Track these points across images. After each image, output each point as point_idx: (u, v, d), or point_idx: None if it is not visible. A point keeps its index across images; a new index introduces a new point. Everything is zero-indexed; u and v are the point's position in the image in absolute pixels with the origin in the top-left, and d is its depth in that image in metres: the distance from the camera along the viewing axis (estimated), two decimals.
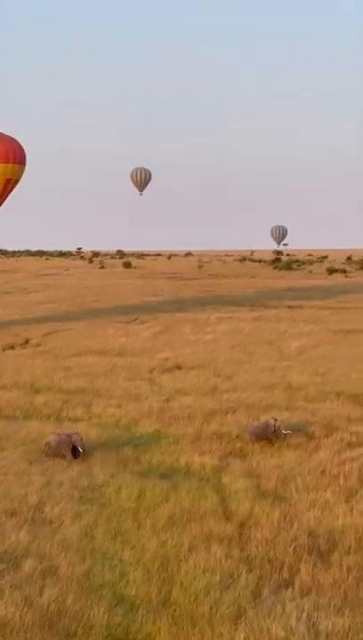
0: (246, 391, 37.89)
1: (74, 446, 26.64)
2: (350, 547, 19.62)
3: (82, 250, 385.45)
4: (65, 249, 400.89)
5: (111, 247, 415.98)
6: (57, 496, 22.98)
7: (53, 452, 26.71)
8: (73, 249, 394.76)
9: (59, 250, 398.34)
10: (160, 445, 29.00)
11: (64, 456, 26.56)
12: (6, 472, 25.25)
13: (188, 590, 16.96)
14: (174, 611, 16.23)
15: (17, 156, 78.46)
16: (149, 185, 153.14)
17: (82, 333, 60.90)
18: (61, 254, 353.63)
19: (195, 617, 15.98)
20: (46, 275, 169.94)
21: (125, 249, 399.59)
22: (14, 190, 79.21)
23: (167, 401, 36.12)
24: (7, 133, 77.97)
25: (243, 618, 15.86)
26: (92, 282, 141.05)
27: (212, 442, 29.42)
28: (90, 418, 33.18)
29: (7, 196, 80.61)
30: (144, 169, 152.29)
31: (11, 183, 78.98)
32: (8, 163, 77.55)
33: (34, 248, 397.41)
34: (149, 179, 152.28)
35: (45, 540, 19.73)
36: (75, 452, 26.66)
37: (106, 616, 15.90)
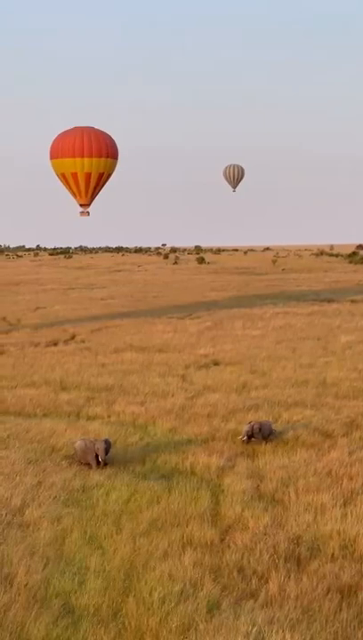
0: (277, 388, 36.75)
1: (96, 454, 25.38)
2: (332, 554, 18.50)
3: (165, 246, 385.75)
4: (151, 245, 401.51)
5: (206, 243, 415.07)
6: (42, 498, 22.19)
7: (80, 459, 25.44)
8: (157, 245, 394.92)
9: (139, 246, 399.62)
10: (170, 445, 28.10)
11: (89, 464, 25.34)
12: (0, 472, 24.54)
13: (143, 601, 16.03)
14: (123, 623, 15.31)
15: (110, 151, 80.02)
16: (242, 182, 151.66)
17: (129, 329, 60.19)
18: (138, 250, 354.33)
19: (142, 629, 15.06)
20: (118, 271, 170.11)
21: (216, 245, 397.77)
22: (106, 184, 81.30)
23: (193, 398, 35.16)
24: (101, 129, 79.59)
25: (192, 631, 14.88)
26: (161, 278, 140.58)
27: (225, 441, 28.45)
28: (109, 416, 32.39)
29: (100, 189, 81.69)
30: (237, 165, 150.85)
31: (103, 177, 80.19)
32: (101, 157, 78.94)
33: (114, 245, 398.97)
34: (243, 175, 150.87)
35: (13, 544, 18.96)
36: (98, 461, 25.31)
37: (46, 628, 15.04)
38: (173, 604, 15.84)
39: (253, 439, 27.73)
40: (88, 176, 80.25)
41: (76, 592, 16.58)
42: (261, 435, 27.71)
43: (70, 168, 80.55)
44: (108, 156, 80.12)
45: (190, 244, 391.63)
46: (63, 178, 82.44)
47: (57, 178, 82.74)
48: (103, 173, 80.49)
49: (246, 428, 27.95)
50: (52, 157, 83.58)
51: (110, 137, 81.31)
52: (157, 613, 15.48)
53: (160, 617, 15.35)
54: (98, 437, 26.73)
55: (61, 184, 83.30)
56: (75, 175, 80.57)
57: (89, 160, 79.66)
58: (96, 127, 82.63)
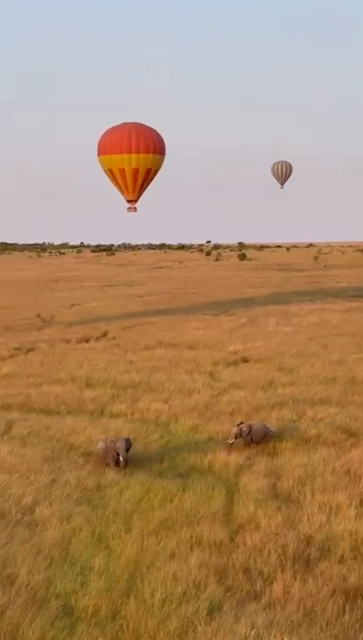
0: (303, 385, 36.28)
1: (117, 453, 24.76)
2: (342, 555, 18.08)
3: (209, 243, 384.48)
4: (196, 242, 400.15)
5: (251, 240, 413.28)
6: (54, 497, 21.94)
7: (101, 459, 24.83)
8: (202, 242, 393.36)
9: (182, 243, 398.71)
10: (190, 443, 27.80)
11: (108, 464, 24.73)
12: (15, 470, 24.34)
13: (144, 602, 15.72)
14: (121, 625, 15.01)
15: (157, 147, 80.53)
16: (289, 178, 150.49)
17: (162, 326, 59.92)
18: (181, 247, 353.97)
19: (140, 631, 14.76)
20: (159, 268, 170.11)
21: (260, 242, 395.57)
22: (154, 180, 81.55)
23: (218, 395, 34.81)
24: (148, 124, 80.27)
25: (190, 634, 14.56)
26: (202, 274, 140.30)
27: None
28: (132, 413, 32.10)
29: (147, 185, 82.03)
30: (285, 162, 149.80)
31: (151, 173, 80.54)
32: (148, 153, 79.41)
33: (157, 242, 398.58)
34: (291, 172, 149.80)
35: (19, 544, 18.73)
36: (118, 461, 24.73)
37: (42, 630, 14.77)
38: (173, 606, 15.52)
39: (238, 439, 26.68)
40: (136, 172, 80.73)
41: (77, 593, 16.31)
42: (250, 437, 26.74)
43: (118, 164, 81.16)
44: (155, 152, 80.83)
45: (235, 241, 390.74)
46: (110, 174, 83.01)
47: (104, 174, 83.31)
48: (151, 169, 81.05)
49: (234, 430, 27.00)
50: (99, 153, 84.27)
51: (157, 133, 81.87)
52: (157, 615, 15.17)
53: (159, 619, 15.04)
54: (119, 436, 26.42)
55: (109, 180, 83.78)
56: (122, 171, 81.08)
57: (136, 156, 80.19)
58: (143, 123, 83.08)
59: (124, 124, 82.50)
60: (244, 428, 26.79)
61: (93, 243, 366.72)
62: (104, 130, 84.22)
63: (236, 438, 26.70)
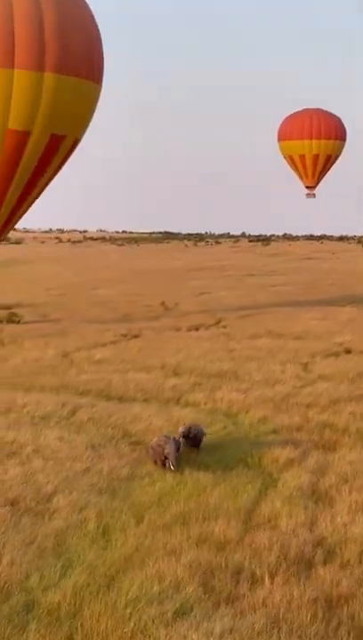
0: None
1: (166, 457, 23.00)
2: (348, 560, 16.75)
3: None
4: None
5: None
6: (80, 485, 21.23)
7: (152, 458, 23.31)
8: None
9: (344, 234, 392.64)
10: (251, 435, 26.73)
11: (156, 463, 23.17)
12: (54, 457, 23.79)
13: (112, 602, 14.82)
14: (79, 624, 14.15)
15: (338, 133, 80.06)
16: None
17: (278, 316, 58.62)
18: (341, 239, 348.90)
19: (93, 632, 13.88)
20: (309, 259, 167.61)
21: None
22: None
23: (301, 387, 33.54)
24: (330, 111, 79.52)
25: (139, 637, 13.59)
26: (350, 266, 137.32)
27: (310, 433, 26.81)
28: (205, 403, 31.14)
29: (327, 172, 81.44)
30: None
31: (331, 159, 79.87)
32: (330, 139, 78.91)
33: (317, 232, 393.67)
34: None
35: (16, 533, 18.10)
36: (165, 464, 22.89)
37: None
38: (141, 605, 14.58)
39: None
40: (316, 158, 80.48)
41: (49, 588, 15.51)
42: (191, 441, 24.41)
43: (298, 150, 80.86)
44: (336, 138, 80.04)
45: None
46: (290, 160, 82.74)
47: (284, 160, 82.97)
48: (331, 156, 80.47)
49: (181, 429, 24.70)
50: (280, 139, 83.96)
51: (339, 118, 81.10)
52: (117, 616, 14.26)
53: (118, 620, 14.12)
54: (183, 424, 25.27)
55: (288, 166, 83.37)
56: (302, 157, 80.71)
57: (317, 142, 79.92)
58: (324, 109, 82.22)
59: (305, 110, 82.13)
60: (185, 430, 24.49)
61: (254, 233, 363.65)
62: (285, 116, 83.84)
63: (184, 437, 24.27)
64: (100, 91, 45.80)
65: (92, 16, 45.00)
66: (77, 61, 42.62)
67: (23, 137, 42.15)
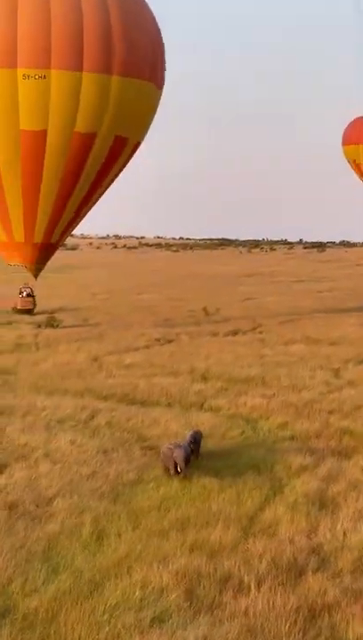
0: None
1: (175, 462, 22.69)
2: (341, 568, 16.26)
3: None
4: None
5: None
6: (82, 490, 20.99)
7: (163, 463, 22.94)
8: None
9: None
10: (269, 441, 26.29)
11: (168, 469, 22.70)
12: (63, 460, 23.57)
13: (91, 608, 14.52)
14: (52, 630, 13.87)
15: None
16: None
17: (318, 322, 57.99)
18: None
19: (66, 638, 13.59)
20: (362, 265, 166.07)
21: None
22: None
23: (327, 393, 32.99)
24: None
25: None
26: None
27: (329, 439, 26.29)
28: (228, 408, 30.73)
29: None
30: None
31: None
32: None
33: None
34: None
35: (7, 536, 17.88)
36: (176, 468, 22.50)
37: None
38: (119, 613, 14.27)
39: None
40: None
41: (30, 593, 15.25)
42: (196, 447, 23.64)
43: None
44: None
45: None
46: (354, 165, 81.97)
47: (348, 165, 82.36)
48: None
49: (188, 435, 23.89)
50: (344, 143, 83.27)
51: None
52: (92, 622, 13.96)
53: (92, 627, 13.82)
54: (201, 430, 24.92)
55: (352, 171, 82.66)
56: None
57: None
58: None
59: None
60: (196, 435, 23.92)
61: (311, 239, 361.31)
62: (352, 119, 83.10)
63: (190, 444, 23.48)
64: (160, 95, 46.09)
65: (153, 17, 45.05)
66: (141, 63, 43.09)
67: (90, 139, 42.66)
